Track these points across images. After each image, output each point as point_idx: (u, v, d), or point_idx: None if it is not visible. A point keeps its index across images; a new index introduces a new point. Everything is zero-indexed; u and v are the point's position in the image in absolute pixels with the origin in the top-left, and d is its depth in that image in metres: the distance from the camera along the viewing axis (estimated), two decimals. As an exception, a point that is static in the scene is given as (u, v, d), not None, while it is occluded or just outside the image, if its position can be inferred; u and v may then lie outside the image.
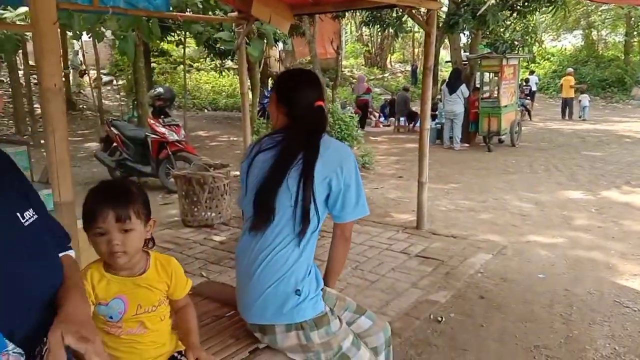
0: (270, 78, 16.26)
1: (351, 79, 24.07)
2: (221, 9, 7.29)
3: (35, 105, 14.14)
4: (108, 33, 8.11)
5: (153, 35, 8.10)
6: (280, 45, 21.06)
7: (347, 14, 16.57)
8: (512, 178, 7.94)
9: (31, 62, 16.13)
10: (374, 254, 4.61)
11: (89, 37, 11.74)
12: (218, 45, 8.26)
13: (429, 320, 3.40)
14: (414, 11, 4.65)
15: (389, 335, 2.12)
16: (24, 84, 12.84)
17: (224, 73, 19.01)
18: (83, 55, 14.59)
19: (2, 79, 16.08)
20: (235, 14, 5.32)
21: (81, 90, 17.28)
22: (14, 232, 1.15)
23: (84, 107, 16.05)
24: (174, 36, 15.24)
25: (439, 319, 3.40)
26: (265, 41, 6.89)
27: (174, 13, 5.39)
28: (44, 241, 1.24)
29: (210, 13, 7.45)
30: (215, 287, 2.42)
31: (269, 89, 15.40)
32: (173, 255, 4.18)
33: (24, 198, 1.24)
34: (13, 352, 1.06)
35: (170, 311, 1.61)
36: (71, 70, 16.20)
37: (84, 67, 15.66)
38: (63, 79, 13.62)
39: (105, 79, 18.97)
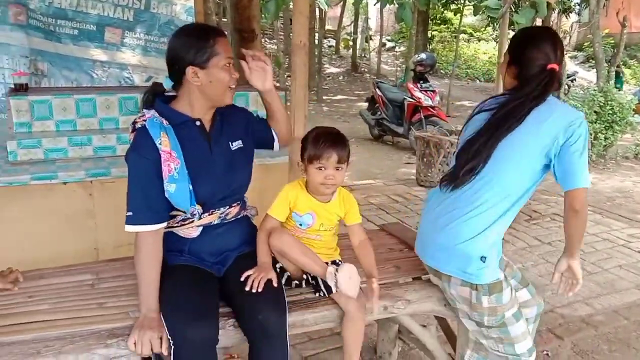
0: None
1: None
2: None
3: (325, 65, 16.12)
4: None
5: (430, 3, 8.45)
6: (574, 16, 19.18)
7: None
8: None
9: (328, 27, 18.26)
10: (604, 247, 4.23)
11: (375, 4, 12.72)
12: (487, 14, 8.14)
13: (640, 324, 3.08)
14: None
15: (541, 311, 2.16)
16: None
17: (503, 44, 18.30)
18: (368, 22, 15.77)
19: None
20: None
21: (365, 55, 18.82)
22: (228, 151, 1.86)
23: (365, 70, 17.54)
24: (456, 4, 15.34)
25: (653, 326, 3.05)
26: (536, 10, 6.55)
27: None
28: (242, 159, 1.92)
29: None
30: (400, 228, 2.70)
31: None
32: (398, 208, 4.72)
33: (240, 135, 1.91)
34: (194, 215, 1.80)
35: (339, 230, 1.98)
36: (359, 35, 17.76)
37: (369, 33, 16.95)
38: (351, 43, 15.00)
39: (388, 45, 20.25)
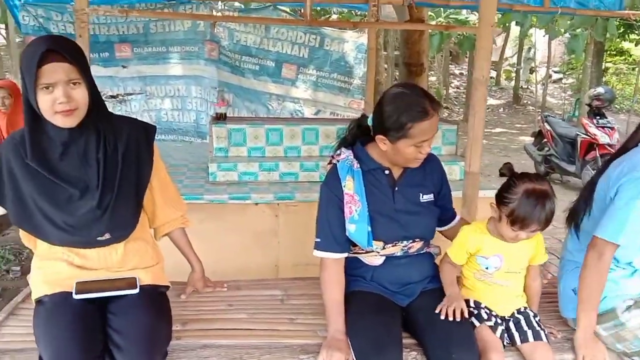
0: None
1: None
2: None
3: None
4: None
5: (608, 34, 7.87)
6: None
7: None
8: None
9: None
10: None
11: (544, 36, 12.13)
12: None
13: None
14: None
15: None
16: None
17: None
18: (534, 53, 15.06)
19: (463, 71, 18.38)
20: None
21: (529, 87, 17.94)
22: (414, 202, 1.90)
23: (528, 102, 16.69)
24: (636, 34, 14.03)
25: None
26: None
27: (626, 12, 5.17)
28: (430, 211, 1.93)
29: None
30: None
31: None
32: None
33: (432, 189, 1.94)
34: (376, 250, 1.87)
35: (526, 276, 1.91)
36: (523, 66, 17.00)
37: (535, 64, 16.16)
38: (513, 74, 14.38)
39: (555, 76, 19.07)
